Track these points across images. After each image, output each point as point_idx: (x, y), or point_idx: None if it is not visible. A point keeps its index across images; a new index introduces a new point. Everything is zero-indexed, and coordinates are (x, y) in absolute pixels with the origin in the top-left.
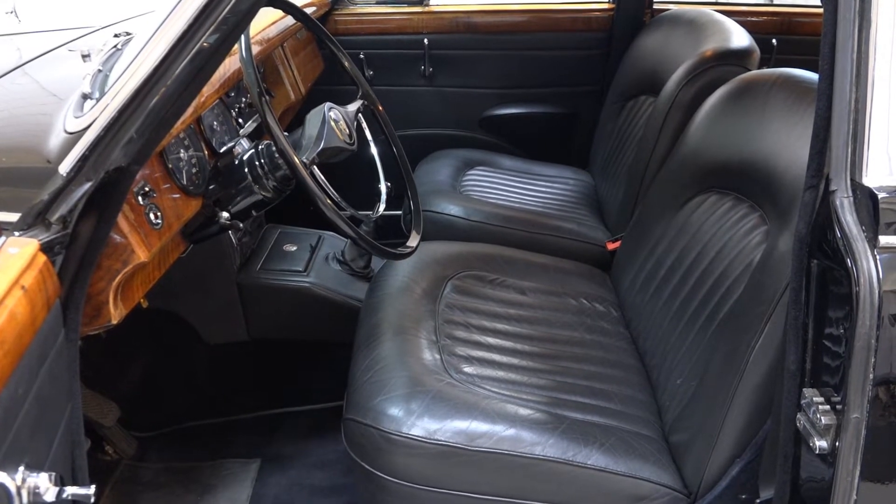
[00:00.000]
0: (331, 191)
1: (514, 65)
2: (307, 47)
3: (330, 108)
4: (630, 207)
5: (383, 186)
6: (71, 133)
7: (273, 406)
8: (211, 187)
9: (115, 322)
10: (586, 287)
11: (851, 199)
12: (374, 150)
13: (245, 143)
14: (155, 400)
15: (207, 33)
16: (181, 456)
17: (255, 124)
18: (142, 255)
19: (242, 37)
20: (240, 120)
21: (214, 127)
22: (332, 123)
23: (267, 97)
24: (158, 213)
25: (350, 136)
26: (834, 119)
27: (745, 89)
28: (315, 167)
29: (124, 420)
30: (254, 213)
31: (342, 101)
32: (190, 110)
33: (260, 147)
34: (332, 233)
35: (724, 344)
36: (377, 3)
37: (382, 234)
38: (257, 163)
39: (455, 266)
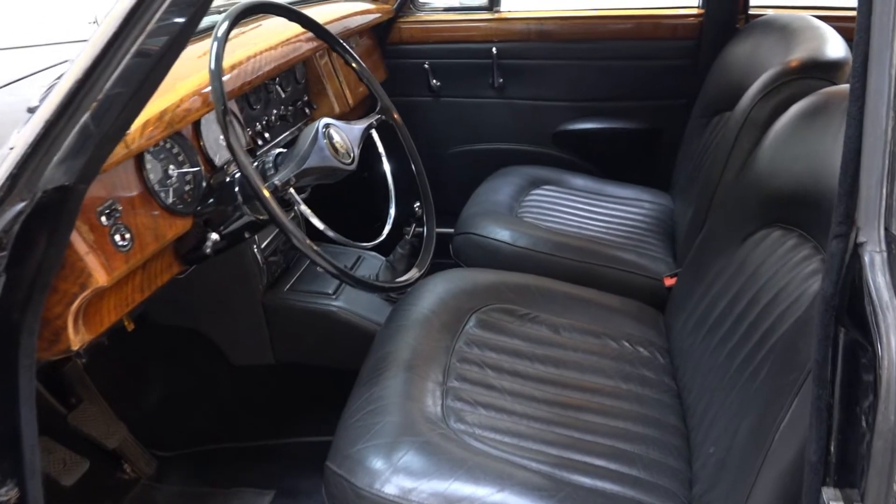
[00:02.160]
0: (311, 218)
1: (591, 76)
2: (364, 57)
3: (326, 125)
4: (693, 238)
5: (417, 208)
6: (11, 149)
7: (294, 434)
8: (203, 206)
9: (74, 349)
10: (632, 327)
11: (885, 254)
12: (386, 168)
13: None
14: (177, 419)
15: (140, 39)
16: (198, 479)
17: (280, 136)
18: (100, 278)
19: (215, 44)
20: (266, 135)
21: (220, 141)
22: (325, 141)
23: (232, 116)
24: (127, 235)
25: (348, 154)
26: (865, 151)
27: (823, 106)
28: (292, 190)
29: (145, 438)
30: (246, 235)
31: (411, 112)
32: (156, 128)
33: (255, 164)
34: (373, 252)
35: (754, 412)
36: (444, 9)
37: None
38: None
39: (484, 297)
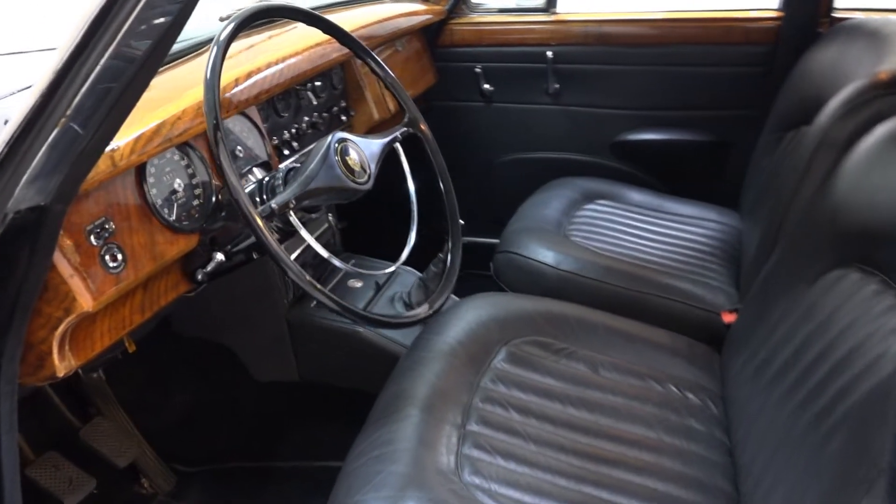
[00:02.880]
0: (312, 243)
1: (654, 83)
2: (412, 60)
3: (341, 139)
4: (759, 268)
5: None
6: None
7: (316, 457)
8: (210, 223)
9: (60, 376)
10: (682, 369)
11: None
12: (410, 186)
13: (258, 172)
14: (198, 434)
15: (115, 44)
16: (217, 498)
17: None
18: (84, 303)
19: (214, 49)
20: (294, 144)
21: (237, 152)
22: (337, 158)
23: (222, 132)
24: (119, 255)
25: (364, 172)
26: None
27: None
28: (291, 213)
29: (165, 452)
30: (255, 256)
31: (460, 117)
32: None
33: (265, 179)
34: (409, 268)
35: (820, 487)
36: (498, 10)
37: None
38: (257, 198)
39: (517, 327)
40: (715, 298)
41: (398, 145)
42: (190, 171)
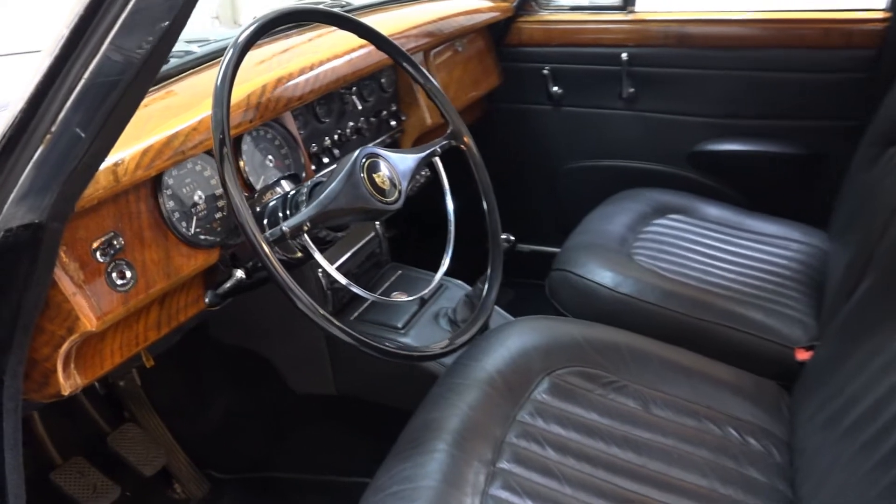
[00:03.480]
0: (329, 270)
1: (741, 89)
2: (473, 60)
3: (369, 154)
4: (843, 299)
5: (504, 240)
6: None
7: (351, 472)
8: (232, 238)
9: (65, 394)
10: (744, 410)
11: None
12: (449, 206)
13: (285, 185)
14: (234, 442)
15: (95, 63)
16: None
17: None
18: (88, 323)
19: (229, 54)
20: (336, 151)
21: (267, 161)
22: (363, 175)
23: (229, 149)
24: (128, 273)
25: (393, 190)
26: None
27: None
28: (306, 236)
29: (200, 458)
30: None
31: (527, 121)
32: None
33: (290, 193)
34: (458, 281)
35: None
36: (571, 8)
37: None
38: (280, 214)
39: (562, 356)
40: (790, 331)
41: (437, 160)
42: (213, 181)
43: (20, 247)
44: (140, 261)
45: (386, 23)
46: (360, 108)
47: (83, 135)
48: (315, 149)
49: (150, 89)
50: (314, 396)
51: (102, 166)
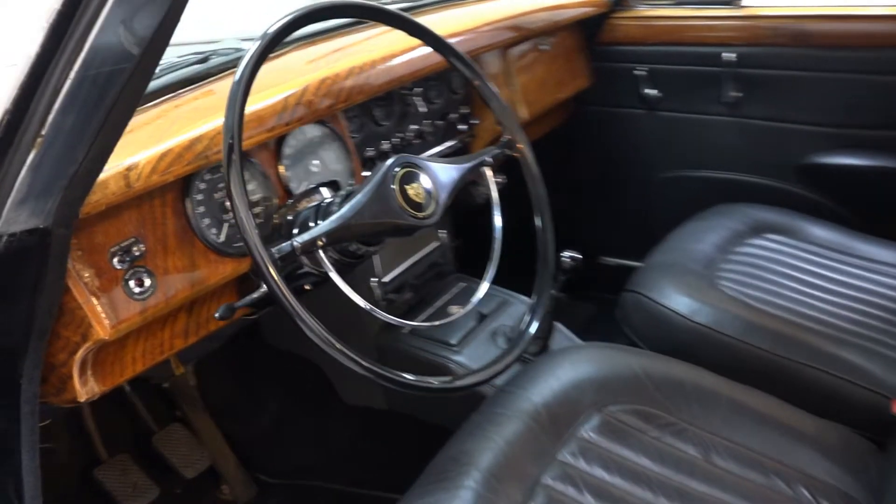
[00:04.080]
0: (345, 289)
1: (862, 94)
2: (560, 59)
3: (405, 163)
4: None
5: (566, 257)
6: None
7: (396, 489)
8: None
9: (81, 401)
10: (823, 467)
11: None
12: (497, 221)
13: (325, 192)
14: (284, 447)
15: (79, 62)
16: None
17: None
18: (101, 331)
19: (256, 44)
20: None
21: (311, 166)
22: (395, 187)
23: (237, 155)
24: (147, 281)
25: (430, 204)
26: None
27: None
28: (320, 253)
29: (250, 461)
30: (306, 288)
31: (618, 124)
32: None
33: (324, 202)
34: (522, 297)
35: None
36: (674, 3)
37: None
38: (311, 223)
39: (618, 390)
40: (889, 377)
41: (488, 170)
42: (251, 186)
43: (27, 252)
44: (162, 268)
45: (459, 19)
46: (423, 110)
47: (78, 138)
48: (371, 153)
49: (188, 88)
50: (365, 409)
51: (113, 170)
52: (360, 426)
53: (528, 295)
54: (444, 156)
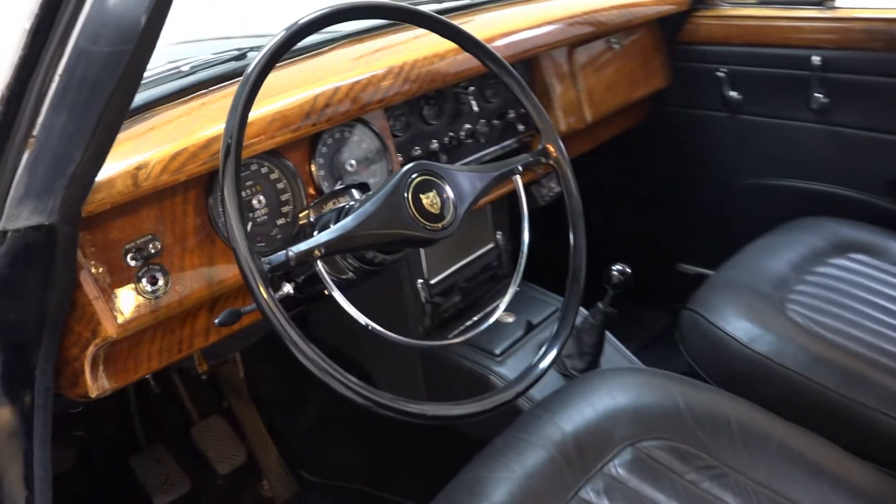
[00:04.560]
0: (346, 306)
1: None
2: (633, 58)
3: (422, 170)
4: None
5: (615, 272)
6: None
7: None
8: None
9: (92, 396)
10: None
11: None
12: (525, 234)
13: (356, 194)
14: (327, 446)
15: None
16: None
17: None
18: (109, 328)
19: (276, 38)
20: (444, 157)
21: (348, 166)
22: (408, 195)
23: (234, 157)
24: (161, 279)
25: (447, 214)
26: None
27: None
28: (319, 263)
29: (293, 458)
30: (326, 293)
31: (698, 127)
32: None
33: (347, 205)
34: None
35: None
36: (759, 2)
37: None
38: (333, 225)
39: (654, 423)
40: None
41: (518, 179)
42: (281, 185)
43: (34, 248)
44: (178, 267)
45: (522, 16)
46: (476, 109)
47: (72, 137)
48: (418, 152)
49: (222, 85)
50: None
51: (121, 169)
52: (400, 432)
53: (588, 307)
54: (499, 157)
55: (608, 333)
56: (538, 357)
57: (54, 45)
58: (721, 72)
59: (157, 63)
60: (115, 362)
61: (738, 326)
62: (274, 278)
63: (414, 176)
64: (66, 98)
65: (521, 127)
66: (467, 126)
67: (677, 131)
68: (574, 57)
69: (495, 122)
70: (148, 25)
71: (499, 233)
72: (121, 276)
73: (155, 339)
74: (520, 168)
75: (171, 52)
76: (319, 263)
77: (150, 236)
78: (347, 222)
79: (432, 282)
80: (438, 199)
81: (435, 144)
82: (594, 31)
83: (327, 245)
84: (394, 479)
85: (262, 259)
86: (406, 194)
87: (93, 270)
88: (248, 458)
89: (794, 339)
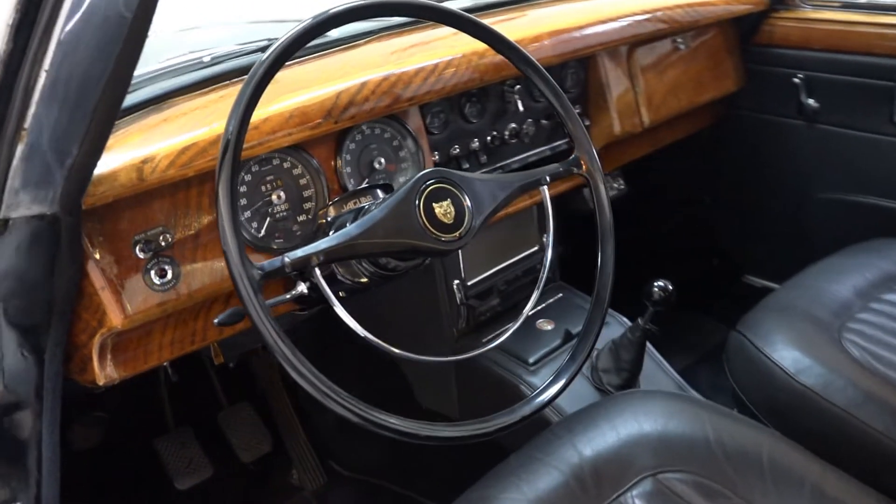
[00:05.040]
0: (345, 318)
1: None
2: (700, 59)
3: (439, 177)
4: None
5: (656, 288)
6: None
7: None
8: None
9: (100, 384)
10: None
11: None
12: (548, 250)
13: (380, 194)
14: (358, 441)
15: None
16: None
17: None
18: (114, 319)
19: (280, 38)
20: (483, 157)
21: (376, 164)
22: (419, 202)
23: (233, 152)
24: (170, 272)
25: (461, 225)
26: None
27: None
28: (317, 271)
29: (324, 450)
30: (342, 294)
31: (771, 135)
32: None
33: (366, 206)
34: (625, 320)
35: None
36: (842, 6)
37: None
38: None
39: (681, 453)
40: None
41: (546, 189)
42: (303, 181)
43: (37, 237)
44: (189, 259)
45: (577, 12)
46: (522, 109)
47: (66, 130)
48: (456, 151)
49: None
50: (437, 415)
51: (126, 162)
52: None
53: (634, 318)
54: (547, 158)
55: (652, 349)
56: (539, 389)
57: (37, 40)
58: (798, 77)
59: (179, 51)
60: (124, 351)
61: (786, 355)
62: (290, 278)
63: (428, 183)
64: (56, 93)
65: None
66: (512, 125)
67: (749, 137)
68: (634, 57)
69: (543, 122)
70: (134, 20)
71: (545, 235)
72: (129, 268)
73: (167, 331)
74: (547, 178)
75: (194, 40)
76: (317, 272)
77: (161, 228)
78: (351, 229)
79: (469, 283)
80: (452, 209)
81: (476, 143)
82: (658, 31)
83: (327, 252)
84: (419, 479)
85: (255, 265)
86: (417, 202)
87: (100, 260)
88: (274, 447)
89: (844, 372)
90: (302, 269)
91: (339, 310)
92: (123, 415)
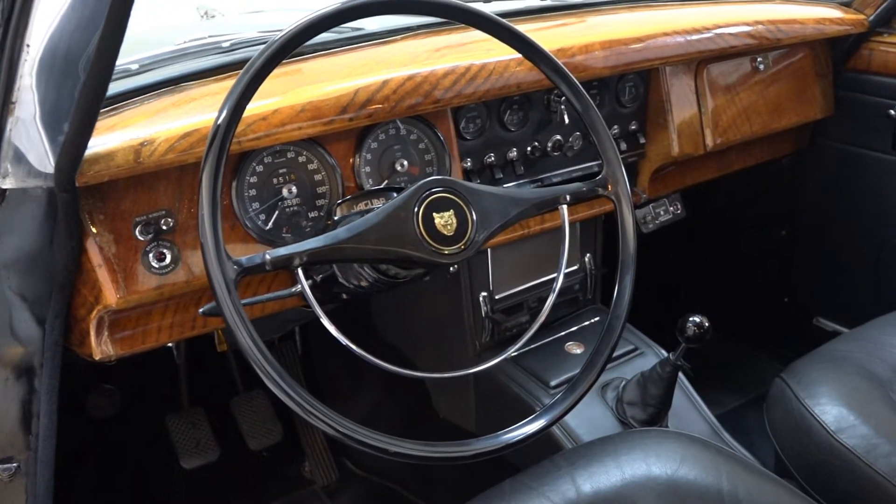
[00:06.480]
0: (329, 327)
1: None
2: (783, 81)
3: (444, 186)
4: None
5: (691, 324)
6: None
7: None
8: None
9: (96, 359)
10: None
11: None
12: (560, 275)
13: (395, 196)
14: None
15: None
16: None
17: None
18: (109, 297)
19: (299, 21)
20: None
21: (397, 166)
22: (418, 209)
23: (222, 142)
24: (168, 256)
25: (462, 238)
26: None
27: None
28: (299, 272)
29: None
30: (344, 297)
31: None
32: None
33: (374, 208)
34: (661, 350)
35: None
36: None
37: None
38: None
39: (685, 502)
40: None
41: (565, 209)
42: (318, 176)
43: (35, 209)
44: (190, 246)
45: (640, 22)
46: (567, 121)
47: (55, 106)
48: (491, 159)
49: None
50: (453, 427)
51: (125, 142)
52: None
53: (670, 349)
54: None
55: (688, 386)
56: (521, 423)
57: (17, 13)
58: (895, 109)
59: (199, 34)
60: (121, 329)
61: (830, 410)
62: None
63: (432, 191)
64: (42, 68)
65: (623, 146)
66: (557, 137)
67: (833, 169)
68: (703, 73)
69: (592, 137)
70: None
71: (588, 255)
72: (127, 248)
73: (166, 314)
74: (568, 197)
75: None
76: (300, 272)
77: (163, 212)
78: (340, 232)
79: (498, 296)
80: (454, 221)
81: (514, 153)
82: (731, 48)
83: (311, 253)
84: (432, 487)
85: (233, 259)
86: (416, 209)
87: (98, 238)
88: (285, 438)
89: (892, 435)
90: (284, 268)
91: (328, 324)
92: (142, 389)
